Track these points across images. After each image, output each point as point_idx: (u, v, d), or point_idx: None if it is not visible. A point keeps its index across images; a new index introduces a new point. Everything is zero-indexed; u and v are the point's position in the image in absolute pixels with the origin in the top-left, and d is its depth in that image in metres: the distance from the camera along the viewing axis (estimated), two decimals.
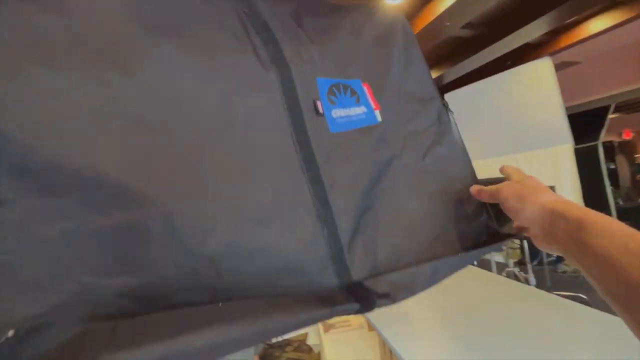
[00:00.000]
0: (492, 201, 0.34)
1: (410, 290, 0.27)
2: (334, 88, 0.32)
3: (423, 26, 2.39)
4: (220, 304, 0.21)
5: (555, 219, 0.27)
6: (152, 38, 0.23)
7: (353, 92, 0.34)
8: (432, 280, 0.29)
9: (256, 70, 0.27)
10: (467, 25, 2.47)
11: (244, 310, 0.21)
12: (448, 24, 2.41)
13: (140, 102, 0.22)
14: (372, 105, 0.35)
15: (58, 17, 0.21)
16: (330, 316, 0.24)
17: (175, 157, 0.22)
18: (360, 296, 0.25)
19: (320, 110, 0.30)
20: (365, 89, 0.35)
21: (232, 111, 0.25)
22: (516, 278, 2.17)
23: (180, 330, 0.18)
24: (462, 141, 0.40)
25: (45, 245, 0.19)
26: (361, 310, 0.25)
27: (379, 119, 0.35)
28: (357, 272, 0.28)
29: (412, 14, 2.45)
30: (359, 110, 0.34)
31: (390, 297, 0.25)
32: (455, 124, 0.40)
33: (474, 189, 0.36)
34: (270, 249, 0.24)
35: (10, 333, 0.16)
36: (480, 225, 0.38)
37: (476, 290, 1.20)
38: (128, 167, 0.21)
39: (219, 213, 0.23)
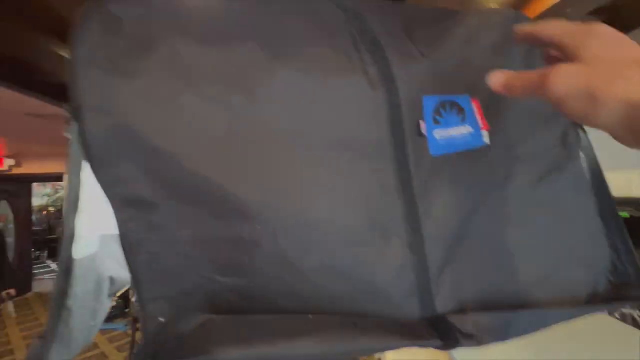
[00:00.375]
0: (532, 97, 0.20)
1: (499, 335, 0.25)
2: (440, 106, 0.30)
3: (536, 15, 2.06)
4: (310, 316, 0.23)
5: None
6: (274, 62, 0.25)
7: (460, 110, 0.31)
8: (527, 329, 0.26)
9: (365, 90, 0.27)
10: (596, 11, 2.04)
11: (333, 327, 0.22)
12: (569, 10, 2.03)
13: (262, 125, 0.24)
14: (480, 124, 0.31)
15: (199, 47, 0.24)
16: (410, 347, 0.24)
17: (287, 178, 0.24)
18: (443, 332, 0.24)
19: (423, 132, 0.28)
20: (474, 105, 0.32)
21: (339, 133, 0.26)
22: (635, 324, 1.75)
23: (279, 336, 0.21)
24: (598, 170, 0.33)
25: (180, 243, 0.23)
26: (443, 348, 0.24)
27: (487, 140, 0.31)
28: (443, 306, 0.26)
29: (524, 1, 2.13)
30: (464, 130, 0.30)
31: (475, 339, 0.24)
32: (591, 148, 0.33)
33: (497, 77, 0.21)
34: (360, 271, 0.24)
35: (163, 319, 0.20)
36: (601, 272, 0.32)
37: (576, 329, 1.01)
38: (248, 185, 0.23)
39: (318, 233, 0.24)
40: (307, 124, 0.25)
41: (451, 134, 0.30)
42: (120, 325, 4.05)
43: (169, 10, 0.25)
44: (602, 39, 0.18)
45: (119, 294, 3.96)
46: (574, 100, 0.18)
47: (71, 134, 0.22)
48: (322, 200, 0.24)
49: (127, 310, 4.27)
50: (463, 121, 0.31)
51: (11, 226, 5.26)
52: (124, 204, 0.23)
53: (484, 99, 0.32)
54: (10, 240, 4.42)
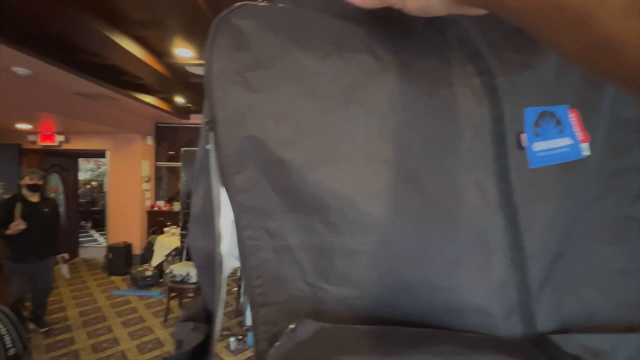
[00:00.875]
0: (381, 6, 0.23)
1: (606, 359, 0.24)
2: (539, 118, 0.29)
3: None
4: (417, 330, 0.23)
5: None
6: (385, 73, 0.25)
7: (558, 121, 0.30)
8: (637, 356, 0.25)
9: (469, 102, 0.26)
10: None
11: (442, 341, 0.23)
12: None
13: (375, 136, 0.25)
14: (579, 136, 0.30)
15: (318, 60, 0.25)
16: None
17: (397, 189, 0.24)
18: (549, 353, 0.24)
19: (523, 144, 0.28)
20: (573, 116, 0.30)
21: (445, 146, 0.26)
22: None
23: (392, 347, 0.21)
24: None
25: (291, 250, 0.24)
26: None
27: (585, 153, 0.30)
28: (543, 324, 0.26)
29: None
30: (562, 142, 0.30)
31: None
32: None
33: None
34: (462, 287, 0.25)
35: (292, 326, 0.22)
36: None
37: None
38: (362, 196, 0.24)
39: (424, 246, 0.24)
40: (413, 135, 0.25)
41: (549, 146, 0.29)
42: (155, 293, 4.37)
43: (286, 24, 0.25)
44: None
45: (155, 265, 4.16)
46: (410, 1, 0.22)
47: (210, 144, 0.24)
48: (428, 213, 0.24)
49: (161, 280, 4.60)
50: (561, 133, 0.30)
51: (61, 197, 5.74)
52: (244, 210, 0.24)
53: (583, 108, 0.31)
54: (60, 209, 4.82)
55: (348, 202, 0.23)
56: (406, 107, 0.25)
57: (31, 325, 3.19)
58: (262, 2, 0.27)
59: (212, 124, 0.24)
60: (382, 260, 0.24)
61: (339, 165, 0.24)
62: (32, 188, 3.02)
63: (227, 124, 0.24)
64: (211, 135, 0.24)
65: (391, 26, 0.27)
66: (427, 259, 0.24)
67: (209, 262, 0.31)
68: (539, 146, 0.29)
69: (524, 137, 0.28)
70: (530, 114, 0.28)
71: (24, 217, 2.86)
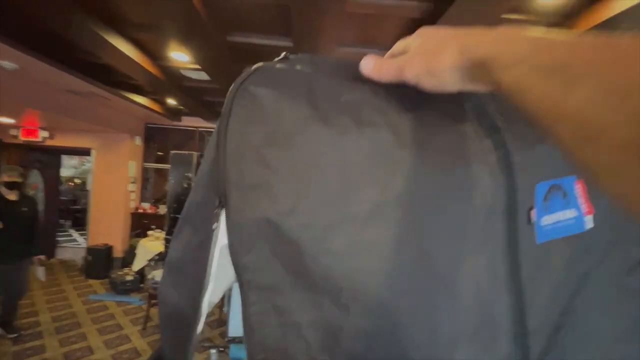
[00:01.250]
0: (395, 80, 0.25)
1: None
2: (548, 192, 0.29)
3: (585, 29, 1.95)
4: None
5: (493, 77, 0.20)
6: (403, 151, 0.25)
7: (564, 194, 0.30)
8: None
9: (485, 179, 0.26)
10: None
11: None
12: (625, 25, 1.90)
13: (391, 220, 0.24)
14: (584, 208, 0.31)
15: (337, 136, 0.24)
16: None
17: (409, 271, 0.24)
18: None
19: (533, 220, 0.28)
20: (579, 187, 0.31)
21: (458, 226, 0.25)
22: None
23: None
24: None
25: (298, 326, 0.24)
26: None
27: (589, 226, 0.30)
28: None
29: (572, 13, 2.01)
30: (568, 214, 0.30)
31: None
32: None
33: (367, 61, 0.26)
34: None
35: None
36: None
37: None
38: (374, 280, 0.23)
39: (431, 328, 0.24)
40: (429, 216, 0.25)
41: (555, 219, 0.29)
42: (135, 299, 4.23)
43: (304, 93, 0.25)
44: (424, 36, 0.25)
45: (137, 269, 4.01)
46: (424, 79, 0.24)
47: (218, 220, 0.23)
48: (437, 293, 0.24)
49: (142, 285, 4.46)
50: (567, 205, 0.30)
51: (41, 194, 5.53)
52: (253, 288, 0.23)
53: (589, 179, 0.31)
54: (40, 207, 4.65)
55: (360, 286, 0.23)
56: (422, 187, 0.25)
57: None
58: (278, 64, 0.26)
59: (222, 201, 0.23)
60: (390, 340, 0.23)
61: (353, 249, 0.23)
62: (10, 186, 2.90)
63: (240, 204, 0.23)
64: (222, 212, 0.23)
65: (408, 96, 0.27)
66: (434, 338, 0.24)
67: (176, 322, 0.29)
68: (546, 220, 0.29)
69: (533, 213, 0.28)
70: (541, 189, 0.28)
71: (1, 216, 2.74)
